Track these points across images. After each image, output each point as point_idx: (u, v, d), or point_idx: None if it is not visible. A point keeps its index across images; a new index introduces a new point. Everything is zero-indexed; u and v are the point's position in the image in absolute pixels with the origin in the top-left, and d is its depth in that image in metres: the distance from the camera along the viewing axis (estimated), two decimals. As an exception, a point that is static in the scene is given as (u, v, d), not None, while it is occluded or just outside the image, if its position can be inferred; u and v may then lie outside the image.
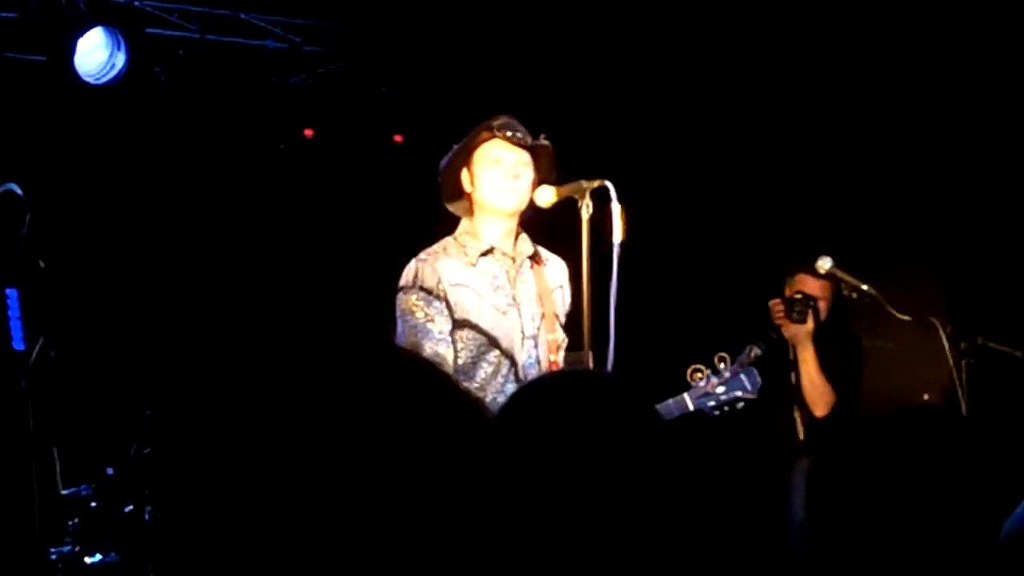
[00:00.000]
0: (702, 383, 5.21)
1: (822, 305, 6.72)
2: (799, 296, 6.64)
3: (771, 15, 7.47)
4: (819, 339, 6.47)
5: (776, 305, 6.70)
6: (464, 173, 5.21)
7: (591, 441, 2.21)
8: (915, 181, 7.38)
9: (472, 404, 1.65)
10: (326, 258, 8.03)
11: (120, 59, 6.65)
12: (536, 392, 2.40)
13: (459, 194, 5.27)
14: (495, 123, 5.22)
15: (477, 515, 1.55)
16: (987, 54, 7.15)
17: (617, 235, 4.99)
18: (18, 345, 4.92)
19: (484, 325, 5.14)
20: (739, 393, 5.21)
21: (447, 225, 5.34)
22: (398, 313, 5.15)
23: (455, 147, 5.25)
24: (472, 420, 1.61)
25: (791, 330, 6.57)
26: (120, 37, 6.64)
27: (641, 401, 2.36)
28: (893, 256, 7.20)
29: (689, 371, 5.25)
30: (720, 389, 5.21)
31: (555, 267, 5.44)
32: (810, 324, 6.57)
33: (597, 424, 2.23)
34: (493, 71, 7.77)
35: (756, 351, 5.22)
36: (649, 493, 2.23)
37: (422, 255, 5.21)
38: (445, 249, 5.22)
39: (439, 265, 5.14)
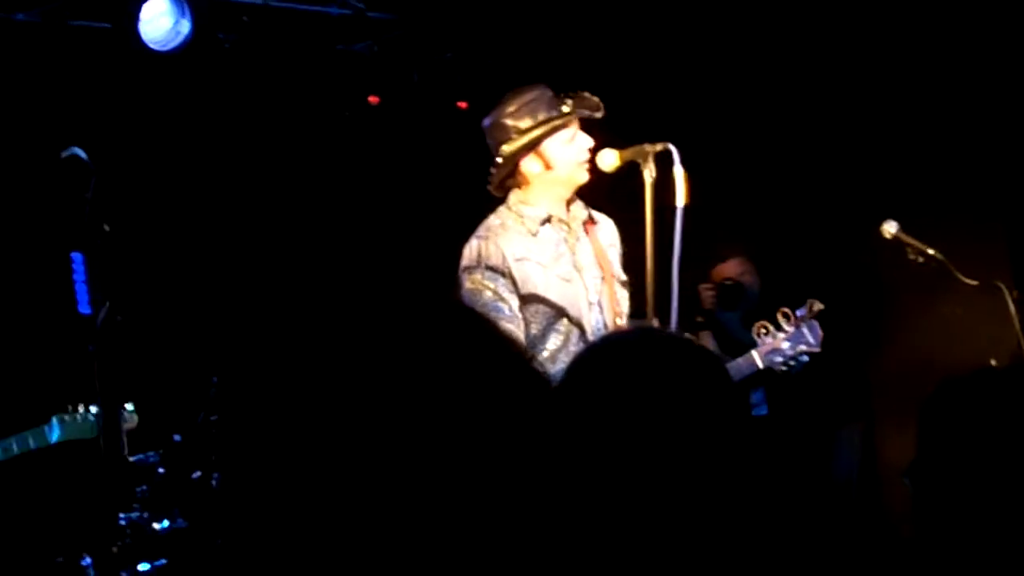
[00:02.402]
0: (768, 339, 5.25)
1: (749, 281, 6.95)
2: (729, 282, 6.83)
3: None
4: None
5: (706, 290, 6.92)
6: (530, 159, 5.15)
7: (663, 399, 2.20)
8: (983, 140, 7.29)
9: (538, 371, 1.64)
10: (392, 224, 8.03)
11: (185, 26, 6.67)
12: (607, 350, 2.40)
13: (511, 176, 5.24)
14: (550, 101, 5.18)
15: (543, 475, 1.54)
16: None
17: (680, 199, 4.98)
18: (84, 309, 4.95)
19: (551, 296, 5.12)
20: (803, 347, 5.24)
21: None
22: (464, 293, 5.13)
23: (527, 138, 5.16)
24: (538, 384, 1.60)
25: (722, 317, 6.95)
26: (185, 4, 6.66)
27: (712, 359, 2.36)
28: (961, 218, 7.14)
29: (755, 328, 5.28)
30: (785, 344, 5.24)
31: (606, 227, 5.43)
32: (739, 311, 6.95)
33: (669, 382, 2.23)
34: (555, 35, 7.74)
35: (817, 305, 5.23)
36: (719, 450, 2.22)
37: (481, 232, 5.19)
38: (503, 223, 5.19)
39: (501, 241, 5.12)
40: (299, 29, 7.63)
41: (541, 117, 5.13)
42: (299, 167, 7.93)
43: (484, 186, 5.34)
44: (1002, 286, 5.72)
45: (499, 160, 5.19)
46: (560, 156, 5.14)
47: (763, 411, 6.83)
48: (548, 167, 5.15)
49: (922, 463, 2.46)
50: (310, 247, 7.70)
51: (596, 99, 5.22)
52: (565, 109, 5.16)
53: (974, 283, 5.84)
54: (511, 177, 5.24)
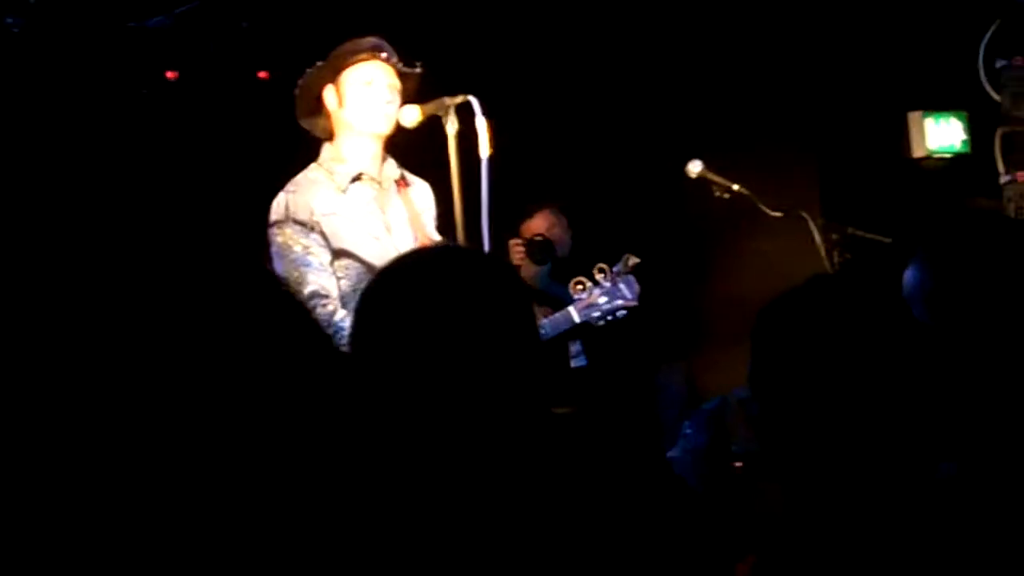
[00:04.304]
0: (584, 295, 5.29)
1: (558, 234, 7.06)
2: (539, 238, 6.94)
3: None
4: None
5: (516, 245, 7.00)
6: (329, 89, 5.14)
7: (454, 307, 2.21)
8: (786, 71, 7.40)
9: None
10: (197, 198, 7.91)
11: (-33, 12, 6.49)
12: (395, 269, 2.39)
13: (317, 111, 5.22)
14: (367, 44, 5.18)
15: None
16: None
17: (484, 150, 4.98)
18: None
19: (361, 253, 5.08)
20: (620, 302, 5.30)
21: (315, 157, 5.28)
22: (274, 249, 5.08)
23: (319, 63, 5.18)
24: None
25: (531, 271, 6.93)
26: (-36, -11, 6.48)
27: (510, 272, 2.38)
28: (771, 150, 7.26)
29: (571, 284, 5.32)
30: (603, 299, 5.29)
31: (420, 190, 5.42)
32: (548, 265, 7.04)
33: (459, 290, 2.24)
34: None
35: (633, 259, 5.29)
36: (510, 355, 2.24)
37: (289, 187, 5.15)
38: (312, 178, 5.16)
39: (309, 196, 5.08)
40: (90, 8, 7.47)
41: (352, 50, 5.15)
42: (99, 147, 7.76)
43: (286, 154, 5.31)
44: (806, 215, 5.82)
45: (300, 81, 5.18)
46: (353, 94, 5.12)
47: (582, 362, 6.90)
48: (341, 103, 5.13)
49: (758, 381, 2.54)
50: (115, 224, 7.54)
51: (402, 63, 5.21)
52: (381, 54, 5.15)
53: (779, 215, 5.93)
54: (316, 113, 5.21)
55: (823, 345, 2.48)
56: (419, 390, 2.17)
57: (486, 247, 5.08)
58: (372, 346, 2.23)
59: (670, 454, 3.54)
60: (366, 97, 5.12)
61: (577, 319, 5.30)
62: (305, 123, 5.28)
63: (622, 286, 5.32)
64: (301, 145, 5.37)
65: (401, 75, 5.19)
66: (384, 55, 5.16)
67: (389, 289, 2.28)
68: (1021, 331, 2.88)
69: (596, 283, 5.31)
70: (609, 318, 5.33)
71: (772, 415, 2.54)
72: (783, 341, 2.54)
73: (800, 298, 2.60)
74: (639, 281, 5.32)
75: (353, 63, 5.13)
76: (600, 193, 7.77)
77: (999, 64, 6.09)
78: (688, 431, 3.44)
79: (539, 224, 7.28)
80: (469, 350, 2.18)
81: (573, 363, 6.86)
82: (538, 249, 7.09)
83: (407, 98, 5.19)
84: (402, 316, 2.20)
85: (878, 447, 2.47)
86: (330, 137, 5.23)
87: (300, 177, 5.18)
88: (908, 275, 3.01)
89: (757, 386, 2.57)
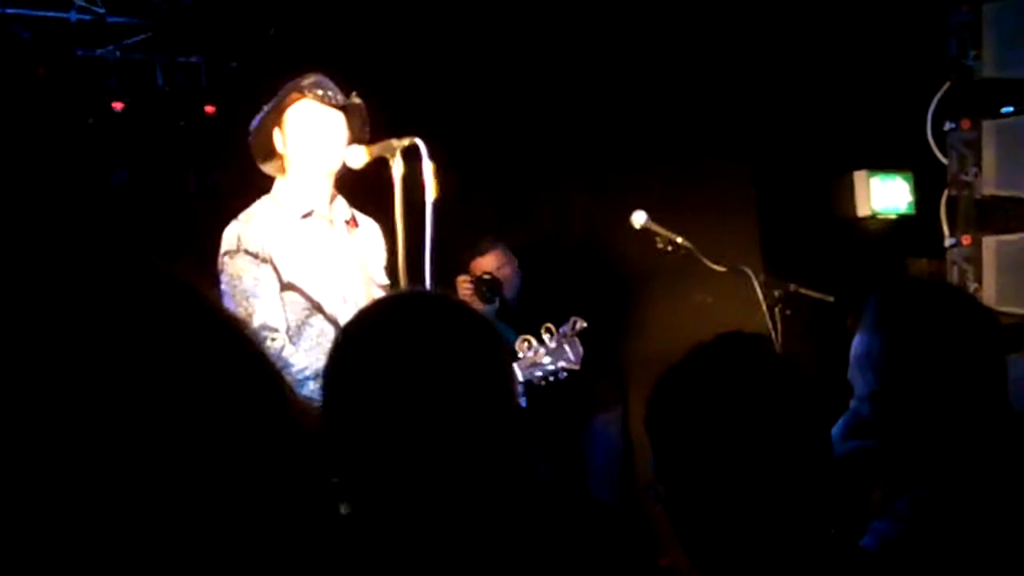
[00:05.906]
0: (529, 353, 5.28)
1: (507, 274, 7.09)
2: (488, 277, 6.97)
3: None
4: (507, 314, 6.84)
5: (464, 283, 7.01)
6: (276, 133, 5.13)
7: (434, 356, 2.19)
8: (731, 127, 7.43)
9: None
10: (141, 231, 7.86)
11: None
12: (378, 311, 2.38)
13: (272, 154, 5.19)
14: (305, 82, 5.15)
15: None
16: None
17: (429, 193, 4.96)
18: None
19: (307, 289, 5.05)
20: (563, 364, 5.30)
21: (262, 192, 5.26)
22: (223, 279, 5.02)
23: (265, 108, 5.16)
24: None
25: (480, 309, 6.91)
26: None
27: (479, 318, 2.36)
28: (713, 204, 7.28)
29: (518, 341, 5.31)
30: (546, 359, 5.28)
31: (369, 231, 5.40)
32: (496, 304, 7.12)
33: (439, 338, 2.23)
34: (303, 33, 7.67)
35: (581, 323, 5.29)
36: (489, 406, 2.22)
37: (242, 217, 5.12)
38: (264, 210, 5.14)
39: (261, 227, 5.05)
40: (38, 35, 7.43)
41: (290, 89, 5.13)
42: (44, 175, 7.70)
43: (232, 190, 5.28)
44: (748, 270, 5.81)
45: (251, 127, 5.15)
46: (294, 136, 5.10)
47: (522, 404, 6.89)
48: (285, 144, 5.12)
49: (662, 468, 2.44)
50: (57, 253, 7.46)
51: (335, 95, 5.18)
52: (316, 91, 5.13)
53: (722, 269, 5.92)
54: (272, 156, 5.18)
55: (730, 416, 2.36)
56: (396, 441, 2.16)
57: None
58: (349, 394, 2.21)
59: None
60: (306, 135, 5.11)
61: (520, 378, 5.30)
62: (265, 168, 5.26)
63: (567, 348, 5.31)
64: (246, 180, 5.34)
65: (343, 108, 5.17)
66: (320, 91, 5.13)
67: (370, 335, 2.27)
68: (963, 400, 2.88)
69: (542, 342, 5.30)
70: (551, 379, 5.33)
71: (679, 499, 2.43)
72: (687, 414, 2.40)
73: (701, 364, 2.46)
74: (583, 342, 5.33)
75: (291, 103, 5.12)
76: (546, 238, 7.79)
77: (947, 127, 6.10)
78: None
79: (489, 262, 7.30)
80: (449, 403, 2.16)
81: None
82: (486, 288, 7.12)
83: (356, 130, 5.18)
84: (383, 363, 2.18)
85: (794, 526, 2.38)
86: (281, 172, 5.22)
87: (252, 208, 5.15)
88: (857, 341, 3.01)
89: (661, 465, 2.46)
